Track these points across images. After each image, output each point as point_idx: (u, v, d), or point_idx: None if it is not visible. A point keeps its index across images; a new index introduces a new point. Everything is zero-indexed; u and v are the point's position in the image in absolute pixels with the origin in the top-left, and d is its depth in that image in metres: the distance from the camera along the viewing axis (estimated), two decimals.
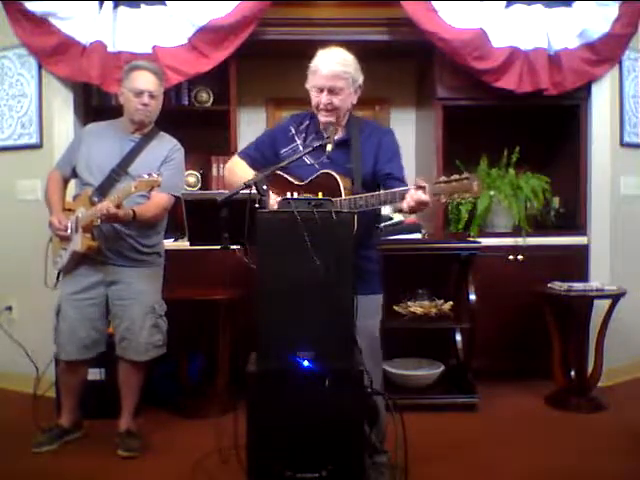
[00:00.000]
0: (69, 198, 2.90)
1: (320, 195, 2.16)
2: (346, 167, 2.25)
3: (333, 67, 2.25)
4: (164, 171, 2.69)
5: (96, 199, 2.65)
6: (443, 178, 2.02)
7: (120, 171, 2.70)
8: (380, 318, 2.40)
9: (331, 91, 2.25)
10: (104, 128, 2.85)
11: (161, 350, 2.85)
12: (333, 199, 2.12)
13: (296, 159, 2.18)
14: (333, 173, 2.20)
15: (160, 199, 2.73)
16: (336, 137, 2.29)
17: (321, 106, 2.28)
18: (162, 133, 2.87)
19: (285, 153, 2.35)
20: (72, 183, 2.98)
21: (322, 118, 2.31)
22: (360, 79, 2.34)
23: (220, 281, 3.39)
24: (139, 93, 2.71)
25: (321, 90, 2.26)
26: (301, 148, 2.32)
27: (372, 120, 2.49)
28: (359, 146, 2.30)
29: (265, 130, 2.54)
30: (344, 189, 2.17)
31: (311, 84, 2.30)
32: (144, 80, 2.73)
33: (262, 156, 2.40)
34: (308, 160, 2.28)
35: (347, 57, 2.30)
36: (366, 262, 2.30)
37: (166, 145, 2.83)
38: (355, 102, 2.36)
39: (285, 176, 2.31)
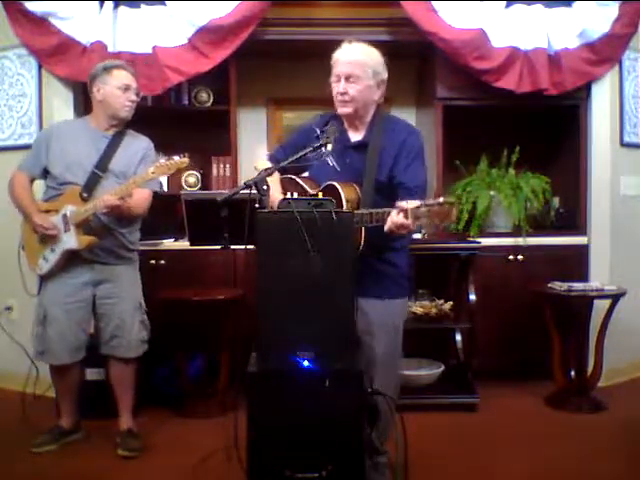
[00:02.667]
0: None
1: None
2: (362, 172, 2.20)
3: (353, 55, 2.20)
4: (144, 168, 2.69)
5: (86, 195, 2.64)
6: (423, 202, 1.91)
7: (102, 167, 2.70)
8: (400, 324, 2.32)
9: (348, 79, 2.19)
10: (73, 127, 2.85)
11: (146, 346, 2.85)
12: None
13: (295, 159, 2.17)
14: (336, 185, 2.14)
15: (146, 194, 2.75)
16: (356, 139, 2.27)
17: (338, 96, 2.22)
18: (131, 130, 2.85)
19: (311, 154, 2.32)
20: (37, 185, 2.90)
21: (338, 110, 2.25)
22: (384, 74, 2.25)
23: (220, 281, 3.40)
24: (126, 89, 2.72)
25: (338, 79, 2.21)
26: (323, 149, 2.28)
27: (400, 119, 2.39)
28: (378, 149, 2.22)
29: (293, 131, 2.49)
30: (346, 202, 2.11)
31: (333, 74, 2.24)
32: (128, 77, 2.74)
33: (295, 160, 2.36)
34: (330, 162, 2.26)
35: (370, 50, 2.24)
36: (386, 265, 2.25)
37: (141, 142, 2.84)
38: (377, 98, 2.27)
39: (300, 183, 2.29)
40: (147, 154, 2.82)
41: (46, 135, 2.82)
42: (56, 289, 2.73)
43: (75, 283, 2.73)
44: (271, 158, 2.42)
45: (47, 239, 2.69)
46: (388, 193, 2.18)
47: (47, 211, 2.71)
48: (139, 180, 2.57)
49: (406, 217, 1.89)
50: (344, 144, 2.26)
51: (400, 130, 2.27)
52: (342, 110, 2.24)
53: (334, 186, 2.16)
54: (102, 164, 2.70)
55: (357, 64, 2.20)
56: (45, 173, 2.78)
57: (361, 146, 2.25)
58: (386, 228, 1.96)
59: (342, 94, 2.20)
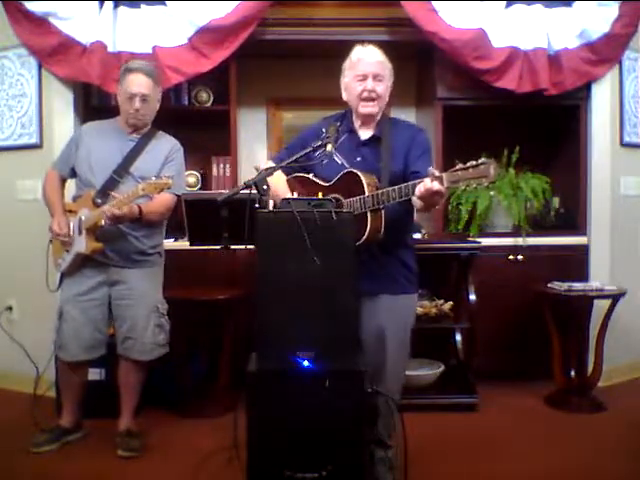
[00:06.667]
0: (67, 199, 2.88)
1: (346, 194, 2.16)
2: (376, 165, 2.24)
3: (377, 56, 2.29)
4: (166, 171, 2.69)
5: (99, 200, 2.64)
6: (460, 166, 1.94)
7: (122, 171, 2.70)
8: (410, 321, 2.35)
9: (375, 77, 2.25)
10: (102, 127, 2.84)
11: (164, 349, 2.85)
12: (357, 197, 2.12)
13: (294, 159, 2.17)
14: (355, 171, 2.18)
15: (164, 198, 2.72)
16: (367, 136, 2.30)
17: (365, 94, 2.26)
18: (161, 132, 2.86)
19: (319, 155, 2.33)
20: (70, 183, 2.96)
21: (364, 109, 2.28)
22: (392, 78, 2.36)
23: (220, 281, 3.40)
24: (130, 97, 2.70)
25: (365, 77, 2.26)
26: (329, 149, 2.30)
27: (403, 119, 2.49)
28: (390, 143, 2.27)
29: (298, 133, 2.52)
30: (367, 185, 2.13)
31: (354, 73, 2.28)
32: (136, 83, 2.69)
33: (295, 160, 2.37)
34: (339, 160, 2.27)
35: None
36: (397, 264, 2.29)
37: (166, 145, 2.82)
38: (387, 100, 2.35)
39: (312, 178, 2.31)
40: (171, 156, 2.80)
41: (78, 134, 2.85)
42: (72, 287, 2.75)
43: (90, 282, 2.74)
44: (275, 159, 2.43)
45: (66, 241, 2.71)
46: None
47: (70, 211, 2.75)
48: (129, 197, 2.55)
49: (441, 183, 1.91)
50: (354, 142, 2.29)
51: (409, 127, 2.39)
52: (368, 110, 2.29)
53: (353, 172, 2.18)
54: (122, 168, 2.70)
55: (382, 65, 2.29)
56: (74, 172, 2.81)
57: (373, 140, 2.30)
58: (418, 195, 1.96)
59: (370, 92, 2.26)
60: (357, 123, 2.35)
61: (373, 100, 2.27)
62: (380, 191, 2.10)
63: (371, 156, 2.27)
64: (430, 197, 1.95)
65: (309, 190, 2.27)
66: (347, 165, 2.25)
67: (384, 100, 2.31)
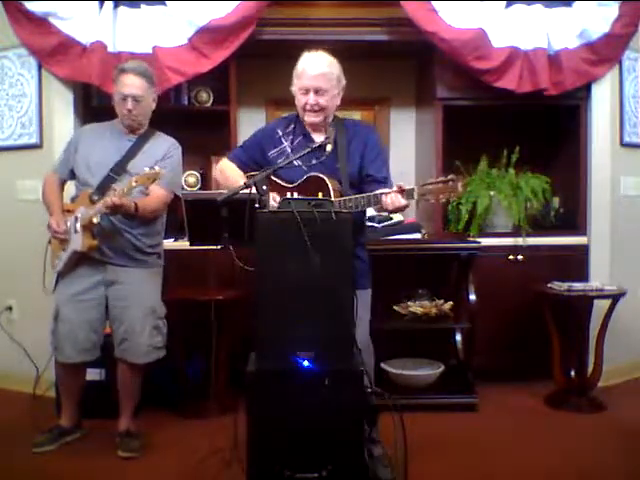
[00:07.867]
0: (66, 200, 2.87)
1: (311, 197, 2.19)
2: (334, 168, 2.28)
3: (320, 68, 2.30)
4: (161, 166, 2.70)
5: (96, 198, 2.65)
6: (430, 180, 2.11)
7: (119, 170, 2.70)
8: (368, 315, 2.43)
9: (317, 92, 2.30)
10: (101, 129, 2.85)
11: (161, 352, 2.84)
12: None
13: (295, 159, 2.20)
14: (321, 175, 2.24)
15: (159, 194, 2.73)
16: (321, 139, 2.33)
17: (307, 107, 2.32)
18: (159, 132, 2.86)
19: (273, 155, 2.39)
20: (70, 185, 2.95)
21: (308, 119, 2.35)
22: (344, 80, 2.39)
23: (220, 281, 3.40)
24: (123, 98, 2.70)
25: (307, 91, 2.30)
26: (289, 150, 2.36)
27: (353, 119, 2.57)
28: (345, 146, 2.33)
29: (252, 133, 2.57)
30: (333, 190, 2.20)
31: (297, 86, 2.34)
32: (128, 84, 2.70)
33: (250, 158, 2.44)
34: (296, 162, 2.30)
35: (331, 59, 2.35)
36: (356, 260, 2.31)
37: (164, 144, 2.83)
38: (339, 103, 2.40)
39: (275, 179, 2.34)
40: (168, 153, 2.80)
41: (76, 136, 2.88)
42: (68, 287, 2.75)
43: (87, 282, 2.73)
44: (234, 159, 2.48)
45: (63, 239, 2.71)
46: (358, 187, 2.29)
47: (68, 211, 2.75)
48: (124, 189, 2.55)
49: (409, 197, 2.08)
50: (309, 145, 2.32)
51: (361, 128, 2.45)
52: (313, 120, 2.35)
53: (320, 177, 2.23)
54: (119, 167, 2.70)
55: (325, 77, 2.31)
56: (73, 174, 2.82)
57: (328, 143, 2.32)
58: (385, 207, 2.12)
59: (313, 105, 2.32)
60: (309, 127, 2.41)
61: (317, 112, 2.32)
62: (348, 197, 2.16)
63: (327, 159, 2.30)
64: (395, 209, 2.12)
65: (272, 190, 2.29)
66: (305, 168, 2.29)
67: (330, 108, 2.37)
